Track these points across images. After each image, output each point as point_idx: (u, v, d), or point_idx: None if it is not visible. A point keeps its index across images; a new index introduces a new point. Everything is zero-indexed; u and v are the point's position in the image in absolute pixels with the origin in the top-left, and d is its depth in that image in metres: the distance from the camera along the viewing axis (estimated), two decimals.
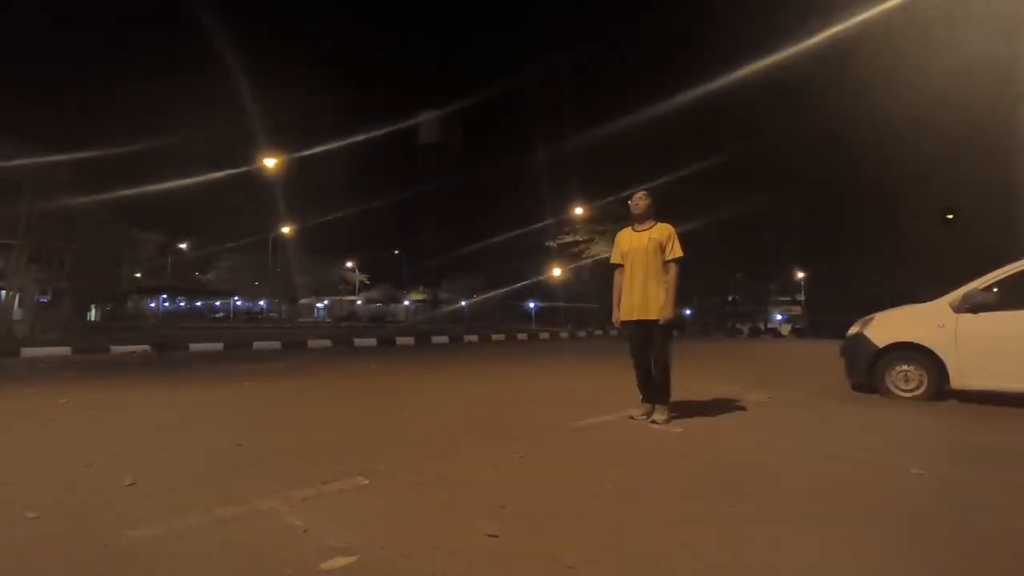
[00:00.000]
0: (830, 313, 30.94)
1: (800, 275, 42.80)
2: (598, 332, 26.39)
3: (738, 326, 39.31)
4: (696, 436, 3.75)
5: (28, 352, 10.07)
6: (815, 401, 5.41)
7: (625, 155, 30.00)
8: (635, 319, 4.16)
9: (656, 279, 4.09)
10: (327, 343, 14.27)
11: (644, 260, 4.15)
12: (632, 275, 4.19)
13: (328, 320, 50.63)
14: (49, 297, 18.63)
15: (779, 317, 44.76)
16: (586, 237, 33.23)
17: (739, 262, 38.42)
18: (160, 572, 1.70)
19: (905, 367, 5.38)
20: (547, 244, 32.01)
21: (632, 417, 4.20)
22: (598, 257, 32.09)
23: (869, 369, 5.58)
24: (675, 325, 4.18)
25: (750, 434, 3.86)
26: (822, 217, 34.93)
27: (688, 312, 39.28)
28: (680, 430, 3.91)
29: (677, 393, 5.94)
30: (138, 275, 43.59)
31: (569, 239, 32.84)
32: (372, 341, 14.97)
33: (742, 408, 4.97)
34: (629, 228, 4.35)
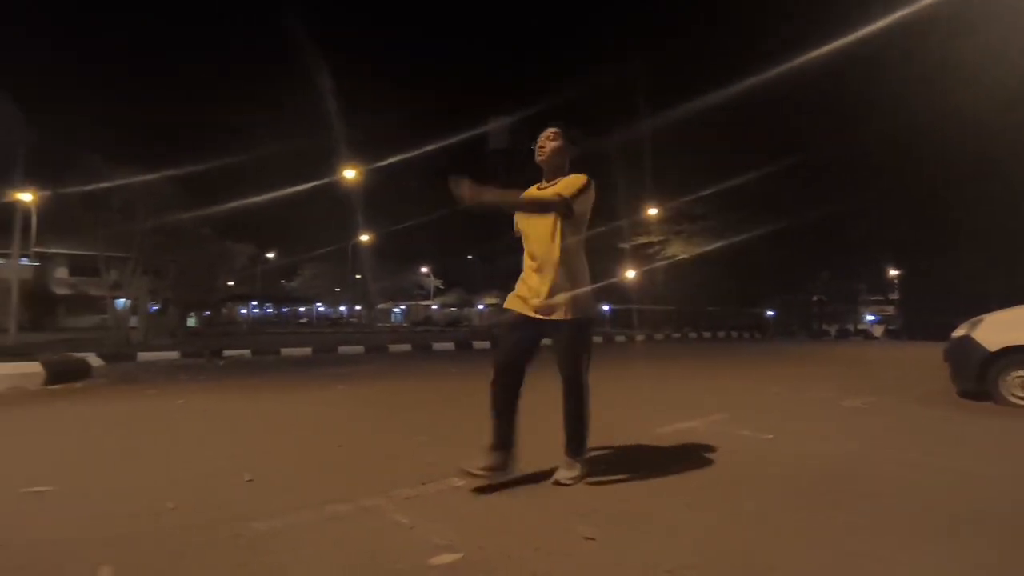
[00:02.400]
0: (928, 313, 28.88)
1: (893, 273, 40.15)
2: (675, 335, 25.84)
3: (824, 327, 37.37)
4: (788, 443, 3.64)
5: (143, 356, 11.02)
6: (917, 408, 5.11)
7: (700, 153, 29.20)
8: (521, 312, 2.76)
9: (558, 259, 2.71)
10: (407, 347, 14.76)
11: (542, 229, 2.75)
12: (528, 250, 2.85)
13: (405, 324, 52.19)
14: (159, 306, 20.32)
15: (871, 318, 42.15)
16: (661, 237, 32.62)
17: (824, 261, 36.49)
18: (288, 562, 1.86)
19: (1023, 373, 4.98)
20: (620, 246, 31.60)
21: (470, 472, 2.65)
22: (675, 258, 31.41)
23: (979, 375, 5.20)
24: (590, 325, 2.79)
25: (847, 442, 3.71)
26: (916, 211, 32.63)
27: (770, 313, 37.72)
28: (771, 436, 3.81)
29: (763, 397, 5.78)
30: (231, 284, 46.59)
31: (643, 240, 32.32)
32: (450, 345, 15.34)
33: (836, 414, 4.77)
34: (536, 186, 2.94)
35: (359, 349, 14.04)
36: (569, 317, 2.67)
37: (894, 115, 27.79)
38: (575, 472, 2.75)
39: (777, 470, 3.01)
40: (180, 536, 2.08)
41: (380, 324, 49.90)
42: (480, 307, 53.73)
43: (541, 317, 2.70)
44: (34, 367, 6.48)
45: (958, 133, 26.43)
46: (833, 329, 36.80)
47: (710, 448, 3.52)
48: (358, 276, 48.94)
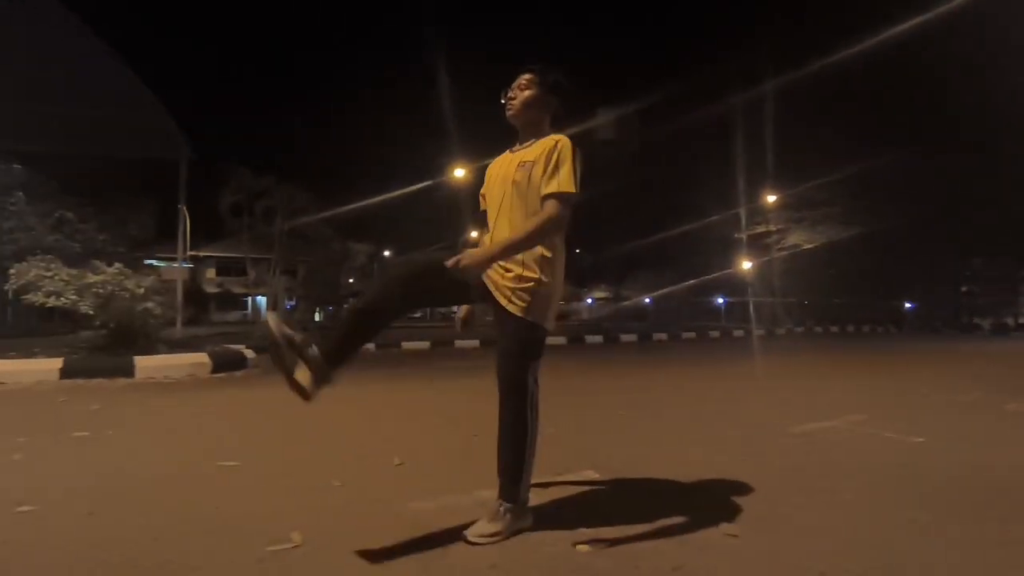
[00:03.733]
0: None
1: None
2: (798, 329, 24.32)
3: (976, 321, 33.38)
4: (942, 448, 3.38)
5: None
6: None
7: (825, 134, 27.11)
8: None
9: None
10: None
11: (504, 202, 2.18)
12: (491, 230, 2.26)
13: None
14: (294, 302, 22.29)
15: None
16: (780, 226, 30.73)
17: (975, 247, 32.59)
18: (447, 539, 2.04)
19: None
20: (736, 236, 30.12)
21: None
22: (797, 247, 29.48)
23: None
24: (537, 332, 2.19)
25: (1016, 451, 3.37)
26: None
27: (908, 305, 34.36)
28: (921, 439, 3.55)
29: (907, 397, 5.34)
30: (352, 281, 49.81)
31: (761, 229, 30.61)
32: (562, 339, 15.46)
33: (999, 419, 4.34)
34: (509, 151, 2.32)
35: (474, 343, 14.52)
36: (526, 317, 2.10)
37: None
38: (496, 526, 2.04)
39: (932, 476, 2.81)
40: (351, 510, 2.34)
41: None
42: (589, 301, 53.55)
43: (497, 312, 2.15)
44: (202, 357, 7.38)
45: None
46: (987, 323, 32.78)
47: (853, 450, 3.36)
48: None
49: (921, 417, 4.35)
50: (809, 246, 29.59)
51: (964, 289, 36.26)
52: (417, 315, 56.58)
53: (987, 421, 4.27)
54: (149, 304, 7.49)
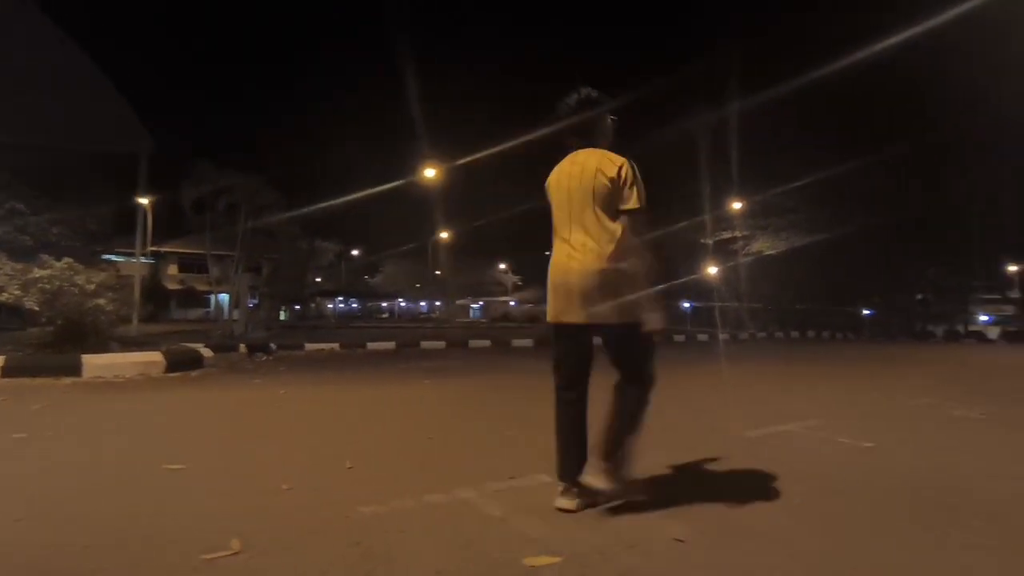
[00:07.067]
0: None
1: (1012, 268, 36.57)
2: (761, 334, 24.82)
3: (929, 328, 34.58)
4: (891, 453, 3.46)
5: (244, 348, 11.85)
6: None
7: (793, 143, 27.72)
8: (574, 321, 2.42)
9: (609, 242, 2.33)
10: (486, 343, 15.01)
11: (583, 207, 2.37)
12: (562, 236, 2.45)
13: (484, 320, 53.00)
14: (257, 300, 21.84)
15: (985, 319, 38.58)
16: (745, 232, 31.34)
17: (931, 257, 33.72)
18: (394, 545, 1.99)
19: None
20: (702, 241, 30.60)
21: (563, 508, 2.33)
22: (761, 254, 30.10)
23: None
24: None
25: (962, 455, 3.47)
26: None
27: (866, 312, 35.39)
28: (871, 444, 3.63)
29: (860, 403, 5.47)
30: (318, 280, 49.06)
31: (726, 235, 31.16)
32: (528, 342, 15.47)
33: (945, 425, 4.46)
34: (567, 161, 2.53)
35: (440, 345, 14.43)
36: (645, 324, 2.46)
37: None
38: (607, 481, 2.41)
39: (880, 480, 2.87)
40: (297, 515, 2.27)
41: (458, 319, 50.96)
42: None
43: (597, 324, 2.47)
44: (156, 356, 7.15)
45: None
46: (940, 330, 33.97)
47: (805, 454, 3.41)
48: (438, 272, 50.21)
49: (872, 422, 4.46)
50: (772, 252, 30.24)
51: (919, 297, 37.47)
52: (384, 316, 56.21)
53: (935, 427, 4.39)
54: (100, 300, 7.22)
